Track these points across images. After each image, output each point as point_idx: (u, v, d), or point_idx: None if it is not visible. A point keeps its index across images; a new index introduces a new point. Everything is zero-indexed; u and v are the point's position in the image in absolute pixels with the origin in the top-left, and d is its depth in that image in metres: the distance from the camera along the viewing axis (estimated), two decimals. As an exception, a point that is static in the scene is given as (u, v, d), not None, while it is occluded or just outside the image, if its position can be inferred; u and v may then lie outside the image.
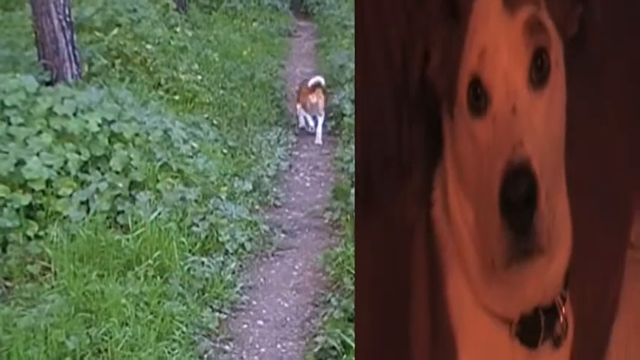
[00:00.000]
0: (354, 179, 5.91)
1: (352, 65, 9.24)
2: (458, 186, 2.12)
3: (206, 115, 7.69)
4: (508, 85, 1.95)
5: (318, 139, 8.07)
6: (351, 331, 3.97)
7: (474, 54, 2.01)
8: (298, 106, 8.42)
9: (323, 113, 8.21)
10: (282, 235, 5.54)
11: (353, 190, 5.67)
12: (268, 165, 6.93)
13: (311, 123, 8.31)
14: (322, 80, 8.39)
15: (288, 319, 4.38)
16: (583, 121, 2.12)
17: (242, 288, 4.66)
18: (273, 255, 5.23)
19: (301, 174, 7.04)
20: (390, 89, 2.18)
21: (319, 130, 8.14)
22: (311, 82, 8.30)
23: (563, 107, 2.05)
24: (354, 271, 4.56)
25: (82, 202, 4.82)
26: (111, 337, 3.69)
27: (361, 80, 2.23)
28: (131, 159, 5.20)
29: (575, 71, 2.07)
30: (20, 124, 5.05)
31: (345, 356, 3.83)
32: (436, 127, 2.16)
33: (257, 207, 5.98)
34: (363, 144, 2.24)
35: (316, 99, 8.10)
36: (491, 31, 2.00)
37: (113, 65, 7.66)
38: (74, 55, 6.76)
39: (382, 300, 2.21)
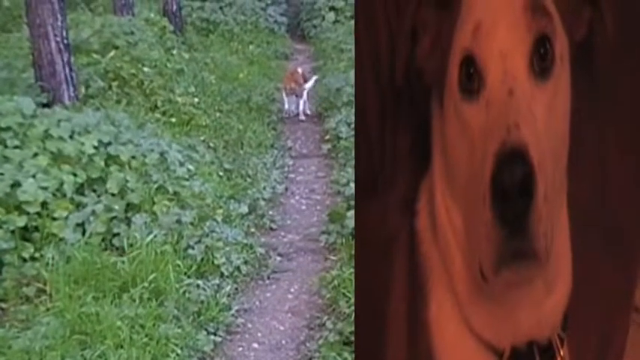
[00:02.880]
0: (349, 203, 5.95)
1: (349, 89, 9.30)
2: (446, 188, 1.94)
3: (202, 138, 7.70)
4: (505, 66, 1.77)
5: (301, 116, 9.90)
6: (347, 355, 3.97)
7: (468, 29, 1.82)
8: (283, 93, 10.02)
9: (303, 95, 9.92)
10: (278, 258, 5.54)
11: (348, 214, 5.68)
12: (264, 188, 6.94)
13: (300, 108, 9.92)
14: (300, 69, 10.34)
15: (283, 342, 4.37)
16: (585, 142, 1.95)
17: (237, 311, 4.65)
18: (268, 278, 5.22)
19: (297, 197, 7.05)
20: (375, 82, 2.02)
21: (300, 108, 9.92)
22: (290, 70, 10.54)
23: (567, 108, 1.86)
24: (350, 294, 4.56)
25: (77, 224, 4.82)
26: (106, 360, 3.68)
27: (357, 81, 2.09)
28: (127, 181, 5.20)
29: (580, 85, 1.91)
30: (16, 147, 5.06)
31: (340, 380, 3.83)
32: (424, 127, 1.98)
33: (253, 230, 5.98)
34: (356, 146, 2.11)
35: (294, 84, 9.81)
36: (488, 4, 1.81)
37: (110, 87, 7.69)
38: (71, 78, 6.79)
39: (362, 318, 2.11)
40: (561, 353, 1.94)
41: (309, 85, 10.15)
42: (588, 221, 2.00)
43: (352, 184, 6.28)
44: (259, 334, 4.45)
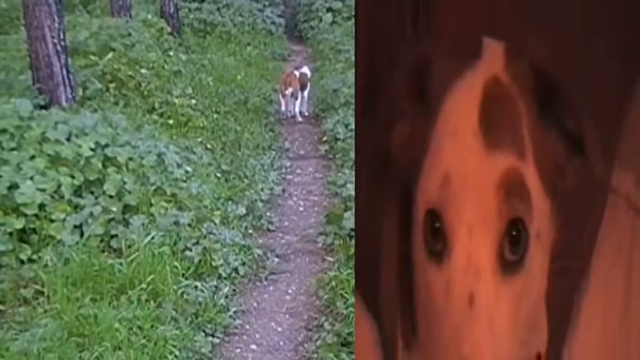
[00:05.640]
0: (346, 204, 5.96)
1: (346, 90, 9.33)
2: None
3: (200, 139, 7.71)
4: (470, 249, 1.56)
5: (298, 117, 10.00)
6: (345, 356, 3.98)
7: (436, 179, 1.60)
8: (280, 94, 10.04)
9: (300, 96, 9.97)
10: (276, 260, 5.54)
11: (346, 215, 5.68)
12: (262, 189, 6.94)
13: (296, 109, 10.01)
14: (296, 72, 10.15)
15: (281, 343, 4.38)
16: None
17: (235, 312, 4.65)
18: (266, 279, 5.23)
19: (295, 198, 7.05)
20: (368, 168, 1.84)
21: (297, 110, 10.02)
22: (286, 72, 10.52)
23: (539, 302, 1.63)
24: (348, 295, 4.57)
25: (75, 226, 4.82)
26: (103, 362, 3.68)
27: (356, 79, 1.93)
28: (125, 183, 5.20)
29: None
30: (13, 149, 5.06)
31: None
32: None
33: (250, 231, 5.98)
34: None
35: (291, 88, 9.81)
36: (460, 156, 1.58)
37: (107, 89, 7.69)
38: (68, 79, 6.80)
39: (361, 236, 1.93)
40: None
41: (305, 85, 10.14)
42: None
43: (350, 185, 6.29)
44: (257, 336, 4.45)
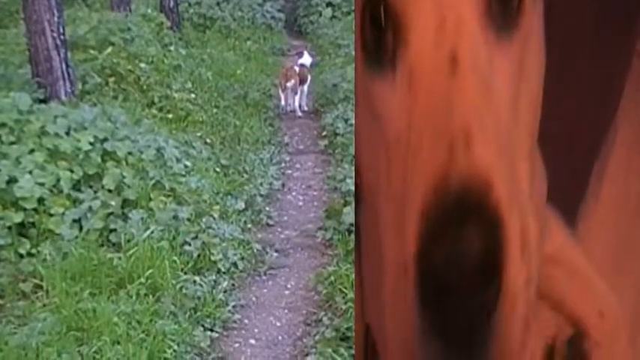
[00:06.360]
0: (346, 199, 5.95)
1: (345, 85, 9.33)
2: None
3: (199, 134, 7.70)
4: (443, 12, 1.07)
5: (298, 112, 9.95)
6: (343, 351, 3.98)
7: None
8: (279, 89, 9.97)
9: (299, 91, 9.95)
10: (275, 254, 5.54)
11: (345, 210, 5.68)
12: (261, 184, 6.94)
13: (295, 103, 9.99)
14: (296, 67, 10.05)
15: (280, 338, 4.38)
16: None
17: (234, 307, 4.65)
18: (265, 274, 5.23)
19: (294, 193, 7.05)
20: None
21: (296, 104, 9.98)
22: (286, 66, 10.39)
23: (540, 73, 1.19)
24: (347, 290, 4.57)
25: (74, 221, 4.82)
26: (102, 356, 3.68)
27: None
28: (124, 177, 5.19)
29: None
30: (12, 143, 5.06)
31: (336, 376, 3.83)
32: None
33: (249, 226, 5.98)
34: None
35: (292, 81, 9.76)
36: None
37: (107, 83, 7.68)
38: (68, 73, 6.79)
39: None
40: None
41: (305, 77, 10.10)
42: None
43: (349, 180, 6.29)
44: (256, 330, 4.46)
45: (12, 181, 4.74)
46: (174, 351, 3.92)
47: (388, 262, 1.06)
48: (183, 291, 4.50)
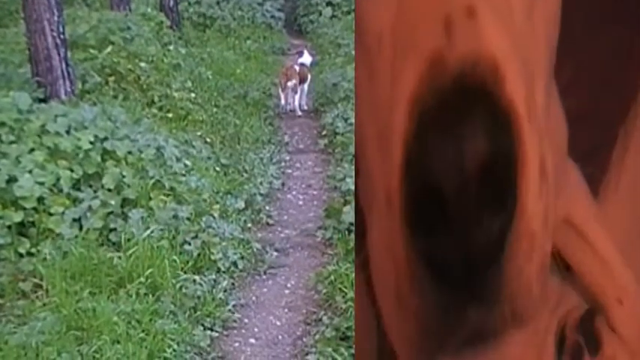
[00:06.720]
0: (345, 198, 5.95)
1: (345, 84, 9.33)
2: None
3: (199, 133, 7.70)
4: None
5: (298, 112, 9.95)
6: (343, 350, 3.98)
7: None
8: (279, 88, 9.96)
9: (299, 90, 9.94)
10: (275, 254, 5.53)
11: (345, 209, 5.68)
12: (261, 183, 6.94)
13: (295, 103, 9.98)
14: (296, 66, 10.05)
15: (279, 337, 4.37)
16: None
17: (234, 306, 4.65)
18: (265, 273, 5.22)
19: (294, 192, 7.05)
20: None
21: (296, 104, 9.98)
22: (286, 65, 10.42)
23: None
24: (347, 290, 4.57)
25: (74, 220, 4.81)
26: (102, 355, 3.67)
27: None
28: (124, 176, 5.19)
29: None
30: (12, 142, 5.05)
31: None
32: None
33: (249, 225, 5.98)
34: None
35: (292, 81, 9.74)
36: None
37: (107, 83, 7.67)
38: (68, 73, 6.78)
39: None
40: None
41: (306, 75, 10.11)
42: None
43: (349, 180, 6.29)
44: (256, 330, 4.45)
45: (12, 180, 4.74)
46: (174, 350, 3.91)
47: (376, 181, 0.89)
48: (183, 290, 4.50)
